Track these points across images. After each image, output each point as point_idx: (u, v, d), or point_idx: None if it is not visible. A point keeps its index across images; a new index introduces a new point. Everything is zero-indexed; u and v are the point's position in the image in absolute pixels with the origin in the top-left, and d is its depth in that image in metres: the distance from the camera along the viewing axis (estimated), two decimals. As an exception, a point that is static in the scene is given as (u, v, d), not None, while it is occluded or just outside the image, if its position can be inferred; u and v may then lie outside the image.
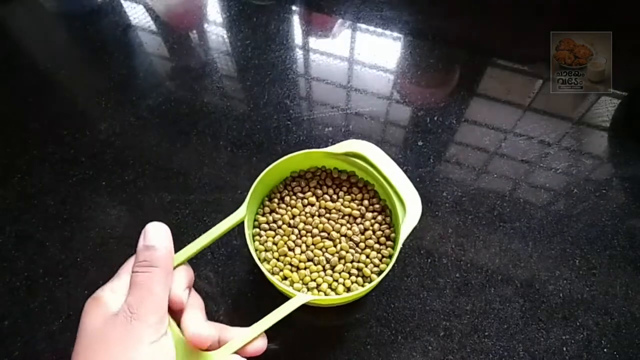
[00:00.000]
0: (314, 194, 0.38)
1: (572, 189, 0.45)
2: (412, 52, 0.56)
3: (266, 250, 0.36)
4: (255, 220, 0.38)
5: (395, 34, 0.58)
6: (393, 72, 0.55)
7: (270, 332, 0.37)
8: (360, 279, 0.34)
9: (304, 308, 0.38)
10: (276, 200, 0.38)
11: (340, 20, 0.60)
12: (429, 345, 0.36)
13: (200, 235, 0.38)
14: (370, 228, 0.37)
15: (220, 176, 0.45)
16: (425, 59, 0.55)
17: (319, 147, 0.48)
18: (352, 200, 0.38)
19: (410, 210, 0.33)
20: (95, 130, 0.48)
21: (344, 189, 0.39)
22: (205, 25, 0.60)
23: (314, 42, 0.58)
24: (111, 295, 0.25)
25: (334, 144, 0.47)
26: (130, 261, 0.27)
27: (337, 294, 0.34)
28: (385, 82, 0.54)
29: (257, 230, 0.37)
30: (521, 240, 0.42)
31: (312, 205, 0.38)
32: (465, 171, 0.46)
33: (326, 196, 0.38)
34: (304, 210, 0.37)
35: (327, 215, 0.37)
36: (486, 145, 0.48)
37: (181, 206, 0.43)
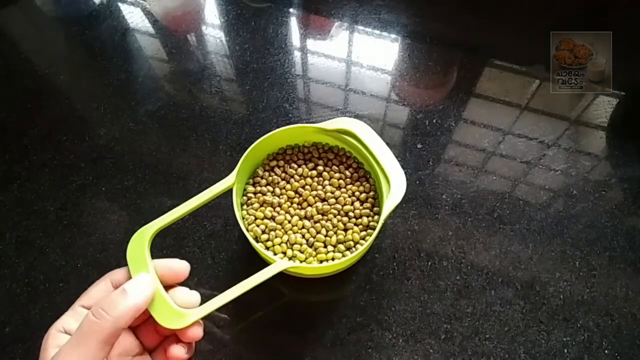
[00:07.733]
0: (304, 167, 0.40)
1: (571, 190, 0.45)
2: (410, 54, 0.56)
3: (252, 221, 0.37)
4: (244, 190, 0.39)
5: (393, 36, 0.58)
6: (391, 74, 0.55)
7: (271, 335, 0.37)
8: (344, 247, 0.36)
9: (305, 309, 0.38)
10: (266, 171, 0.40)
11: (338, 23, 0.60)
12: (430, 349, 0.36)
13: (201, 240, 0.37)
14: (356, 203, 0.38)
15: (220, 180, 0.45)
16: (423, 61, 0.55)
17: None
18: (341, 176, 0.39)
19: (394, 188, 0.34)
20: (95, 136, 0.48)
21: (334, 164, 0.40)
22: (204, 28, 0.60)
23: (312, 44, 0.58)
24: (58, 335, 0.24)
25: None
26: (87, 293, 0.26)
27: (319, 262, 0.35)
28: (383, 84, 0.54)
29: (245, 199, 0.38)
30: (521, 242, 0.42)
31: (303, 177, 0.39)
32: (465, 173, 0.46)
33: (316, 170, 0.40)
34: (293, 181, 0.39)
35: (316, 188, 0.39)
36: (485, 146, 0.48)
37: (181, 211, 0.43)
